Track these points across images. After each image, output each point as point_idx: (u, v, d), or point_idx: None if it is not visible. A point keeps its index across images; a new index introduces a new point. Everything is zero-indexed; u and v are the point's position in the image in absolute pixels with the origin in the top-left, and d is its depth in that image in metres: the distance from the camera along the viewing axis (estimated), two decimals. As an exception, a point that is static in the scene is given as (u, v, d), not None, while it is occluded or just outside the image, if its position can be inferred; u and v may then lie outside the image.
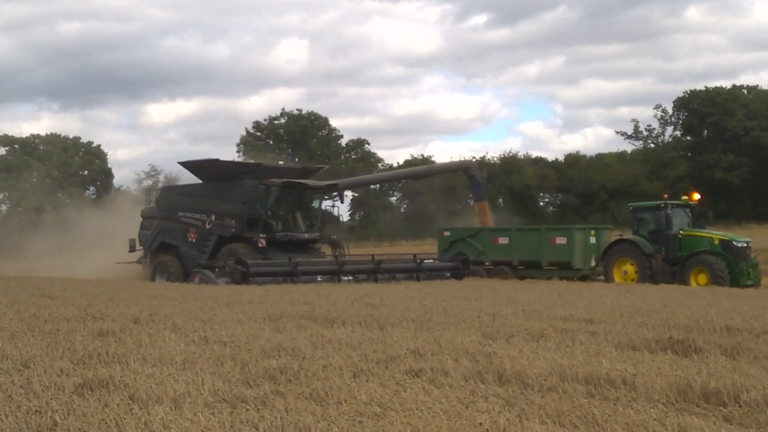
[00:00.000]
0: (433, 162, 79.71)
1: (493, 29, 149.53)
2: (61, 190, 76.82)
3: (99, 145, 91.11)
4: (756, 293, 21.51)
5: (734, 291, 22.26)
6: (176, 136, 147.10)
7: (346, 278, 26.00)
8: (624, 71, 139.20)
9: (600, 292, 20.64)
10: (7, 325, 11.66)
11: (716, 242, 26.67)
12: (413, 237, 71.71)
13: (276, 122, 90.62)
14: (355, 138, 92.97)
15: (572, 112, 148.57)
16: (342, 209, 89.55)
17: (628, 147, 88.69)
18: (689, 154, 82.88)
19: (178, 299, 17.24)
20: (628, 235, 28.71)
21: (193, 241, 30.05)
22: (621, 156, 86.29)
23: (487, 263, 31.53)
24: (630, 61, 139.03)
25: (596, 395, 7.01)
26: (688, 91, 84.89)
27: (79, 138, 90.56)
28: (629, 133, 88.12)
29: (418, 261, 28.54)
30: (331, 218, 31.99)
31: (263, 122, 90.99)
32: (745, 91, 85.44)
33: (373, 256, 28.86)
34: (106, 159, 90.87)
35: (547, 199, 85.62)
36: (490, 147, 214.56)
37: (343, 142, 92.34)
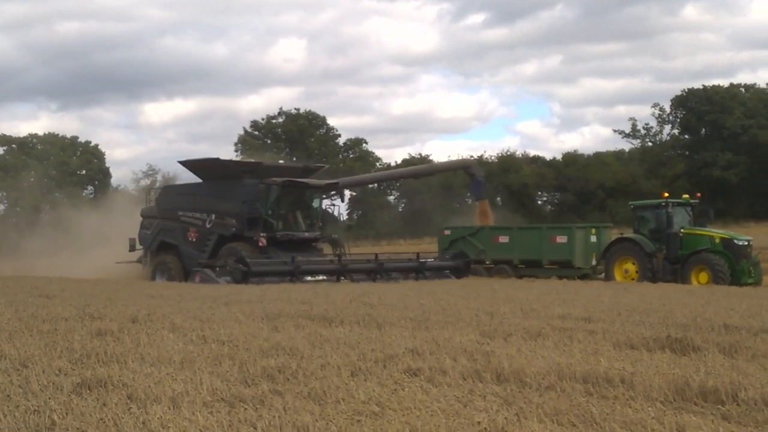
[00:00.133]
0: (431, 161, 79.77)
1: (490, 28, 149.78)
2: (59, 190, 76.85)
3: (97, 145, 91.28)
4: (754, 292, 21.52)
5: (732, 289, 22.26)
6: (174, 136, 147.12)
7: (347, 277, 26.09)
8: (621, 70, 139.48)
9: (598, 291, 20.65)
10: (5, 325, 11.65)
11: (717, 241, 26.64)
12: (411, 236, 71.74)
13: (274, 121, 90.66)
14: (353, 137, 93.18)
15: (570, 111, 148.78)
16: (341, 208, 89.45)
17: (626, 146, 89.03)
18: (687, 152, 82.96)
19: (177, 298, 17.25)
20: (629, 233, 28.70)
21: (194, 240, 30.01)
22: (619, 155, 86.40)
23: (487, 262, 31.50)
24: (627, 59, 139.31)
25: (594, 394, 7.01)
26: (686, 90, 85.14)
27: (77, 137, 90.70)
28: (627, 131, 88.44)
29: (421, 261, 28.57)
30: (329, 218, 31.91)
31: (261, 121, 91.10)
32: (743, 90, 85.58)
33: (376, 255, 28.72)
34: (104, 158, 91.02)
35: (544, 198, 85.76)
36: (488, 146, 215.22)
37: (341, 141, 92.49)
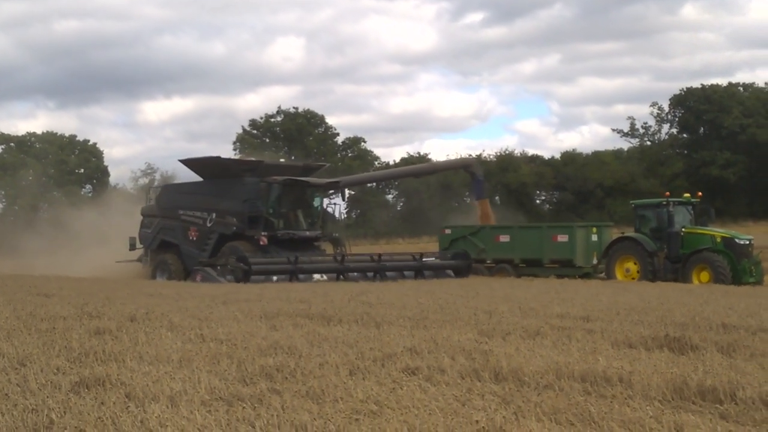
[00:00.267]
0: (430, 160, 79.75)
1: (489, 27, 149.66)
2: (57, 189, 76.79)
3: (95, 144, 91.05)
4: (753, 291, 21.50)
5: (731, 288, 22.25)
6: (172, 134, 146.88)
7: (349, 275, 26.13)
8: (620, 69, 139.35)
9: (597, 290, 20.66)
10: (4, 324, 11.65)
11: (718, 240, 26.58)
12: (410, 235, 71.73)
13: (272, 120, 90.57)
14: (352, 136, 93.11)
15: (568, 110, 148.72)
16: (338, 208, 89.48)
17: (625, 145, 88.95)
18: (685, 151, 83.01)
19: (175, 297, 17.24)
20: (630, 232, 28.67)
21: (194, 239, 29.97)
22: (617, 154, 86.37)
23: (488, 261, 31.45)
24: (626, 58, 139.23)
25: (593, 393, 7.01)
26: (685, 89, 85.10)
27: (75, 136, 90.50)
28: (625, 130, 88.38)
29: (421, 259, 28.57)
30: (328, 217, 31.86)
31: (259, 120, 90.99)
32: (741, 89, 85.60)
33: (380, 255, 28.66)
34: (102, 157, 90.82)
35: (543, 197, 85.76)
36: (487, 145, 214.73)
37: (340, 139, 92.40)
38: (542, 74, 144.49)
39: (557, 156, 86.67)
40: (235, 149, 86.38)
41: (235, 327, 11.33)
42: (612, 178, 78.32)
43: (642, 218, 28.39)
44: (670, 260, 26.84)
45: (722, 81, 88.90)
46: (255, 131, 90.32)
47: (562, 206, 78.90)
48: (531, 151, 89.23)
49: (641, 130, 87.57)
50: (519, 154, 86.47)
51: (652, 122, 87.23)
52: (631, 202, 30.66)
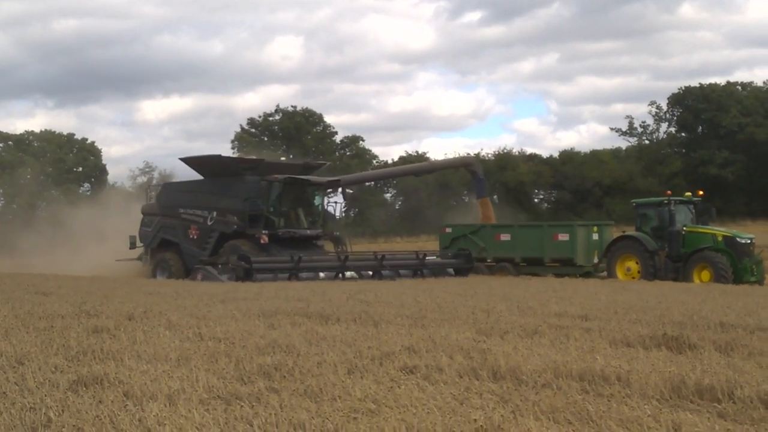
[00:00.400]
0: (428, 158, 79.75)
1: (487, 26, 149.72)
2: (56, 187, 76.73)
3: (93, 142, 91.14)
4: (751, 290, 21.49)
5: (729, 287, 22.25)
6: (170, 133, 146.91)
7: (349, 275, 26.14)
8: (618, 68, 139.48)
9: (595, 289, 20.66)
10: (2, 322, 11.64)
11: (719, 239, 26.55)
12: (408, 233, 71.73)
13: (270, 119, 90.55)
14: (350, 135, 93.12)
15: (566, 109, 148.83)
16: (339, 206, 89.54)
17: (623, 144, 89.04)
18: (684, 150, 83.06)
19: (173, 296, 17.23)
20: (631, 231, 28.64)
21: (195, 237, 29.93)
22: (615, 153, 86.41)
23: (489, 260, 31.42)
24: (624, 57, 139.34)
25: (590, 392, 7.01)
26: (683, 88, 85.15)
27: (74, 135, 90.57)
28: (624, 129, 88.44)
29: (424, 258, 28.60)
30: (327, 215, 31.83)
31: (258, 119, 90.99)
32: (740, 88, 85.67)
33: (384, 255, 28.62)
34: (101, 156, 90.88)
35: (541, 196, 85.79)
36: (485, 144, 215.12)
37: (338, 138, 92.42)
38: (540, 73, 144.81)
39: (555, 155, 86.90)
40: (233, 148, 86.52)
41: (233, 326, 11.32)
42: (610, 177, 78.36)
43: (643, 217, 28.34)
44: (671, 259, 26.81)
45: (720, 80, 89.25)
46: (253, 130, 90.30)
47: (560, 205, 78.93)
48: (529, 150, 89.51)
49: (639, 129, 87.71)
50: (517, 153, 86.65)
51: (650, 121, 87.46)
52: (632, 200, 30.60)
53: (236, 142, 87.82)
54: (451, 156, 73.38)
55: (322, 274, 25.81)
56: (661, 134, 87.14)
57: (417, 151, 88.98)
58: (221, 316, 12.61)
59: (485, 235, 32.01)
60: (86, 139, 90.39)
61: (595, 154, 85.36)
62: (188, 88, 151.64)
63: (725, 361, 8.44)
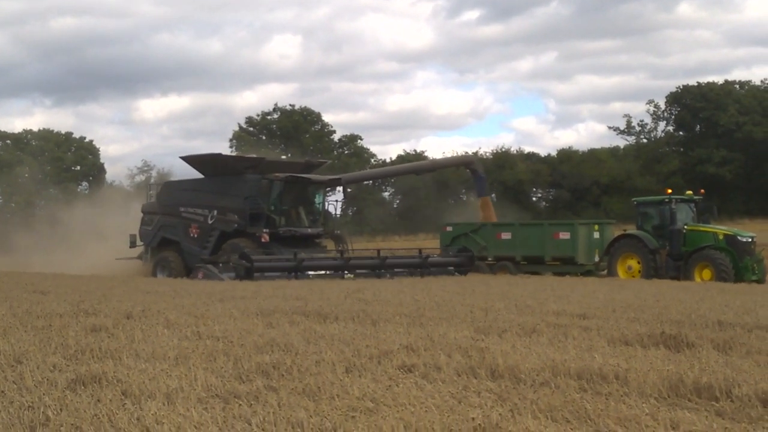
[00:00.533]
0: (426, 157, 79.71)
1: (485, 25, 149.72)
2: (54, 186, 76.67)
3: (91, 141, 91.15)
4: (749, 288, 21.50)
5: (728, 286, 22.26)
6: (169, 132, 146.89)
7: (349, 274, 26.17)
8: (616, 67, 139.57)
9: (594, 288, 20.67)
10: (0, 321, 11.63)
11: (721, 237, 26.53)
12: (406, 232, 71.73)
13: (269, 117, 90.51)
14: (348, 133, 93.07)
15: (565, 108, 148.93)
16: (338, 205, 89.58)
17: (621, 142, 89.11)
18: (682, 149, 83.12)
19: (171, 295, 17.22)
20: (632, 230, 28.62)
21: (195, 236, 29.87)
22: (613, 151, 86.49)
23: (489, 259, 31.39)
24: (622, 56, 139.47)
25: (589, 390, 7.01)
26: (681, 87, 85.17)
27: (72, 133, 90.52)
28: (622, 128, 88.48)
29: (424, 257, 28.62)
30: (327, 214, 31.80)
31: (256, 117, 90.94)
32: (738, 87, 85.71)
33: (386, 256, 28.55)
34: (99, 154, 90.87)
35: (539, 195, 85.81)
36: (483, 142, 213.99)
37: (336, 137, 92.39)
38: (539, 72, 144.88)
39: (553, 153, 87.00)
40: (231, 147, 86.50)
41: (231, 324, 11.32)
42: (608, 176, 78.43)
43: (644, 215, 28.32)
44: (673, 258, 26.78)
45: (718, 79, 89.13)
46: (251, 129, 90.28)
47: (559, 204, 78.94)
48: (527, 149, 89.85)
49: (637, 128, 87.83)
50: (515, 152, 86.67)
51: (648, 120, 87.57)
52: (633, 199, 30.56)
53: (234, 141, 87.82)
54: (449, 155, 73.51)
55: (325, 272, 25.85)
56: (659, 133, 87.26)
57: (415, 150, 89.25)
58: (219, 315, 12.61)
59: (486, 233, 31.97)
60: (84, 138, 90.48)
61: (593, 152, 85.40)
62: (186, 86, 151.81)
63: (723, 359, 8.45)
